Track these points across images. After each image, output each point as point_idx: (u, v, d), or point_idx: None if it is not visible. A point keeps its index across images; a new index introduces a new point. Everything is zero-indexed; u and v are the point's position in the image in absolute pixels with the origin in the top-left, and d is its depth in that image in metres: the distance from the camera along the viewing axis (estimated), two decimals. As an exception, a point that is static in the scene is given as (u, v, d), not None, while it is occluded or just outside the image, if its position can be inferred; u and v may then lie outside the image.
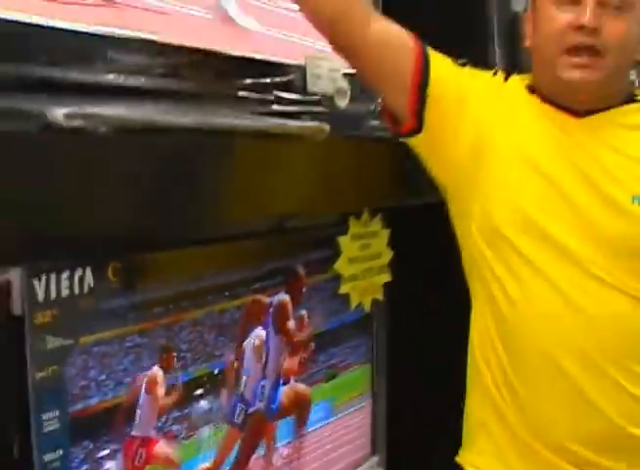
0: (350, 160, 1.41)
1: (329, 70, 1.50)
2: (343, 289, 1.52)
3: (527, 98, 1.43)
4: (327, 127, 1.23)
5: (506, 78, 1.48)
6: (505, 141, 1.40)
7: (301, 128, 1.20)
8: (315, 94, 1.49)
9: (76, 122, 0.88)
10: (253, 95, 1.39)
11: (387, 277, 1.65)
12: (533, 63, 1.43)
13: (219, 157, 1.12)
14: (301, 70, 1.47)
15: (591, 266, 1.32)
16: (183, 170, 1.06)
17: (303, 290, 1.50)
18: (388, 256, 1.65)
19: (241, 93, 1.38)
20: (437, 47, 1.43)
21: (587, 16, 1.30)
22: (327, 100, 1.52)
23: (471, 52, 1.65)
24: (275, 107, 1.42)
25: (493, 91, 1.46)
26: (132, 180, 0.99)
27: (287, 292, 1.47)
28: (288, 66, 1.47)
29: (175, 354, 1.22)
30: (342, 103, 1.54)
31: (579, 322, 1.32)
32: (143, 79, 1.20)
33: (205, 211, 1.11)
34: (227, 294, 1.31)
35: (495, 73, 1.49)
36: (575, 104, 1.38)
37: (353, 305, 1.55)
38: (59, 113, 0.86)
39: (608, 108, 1.38)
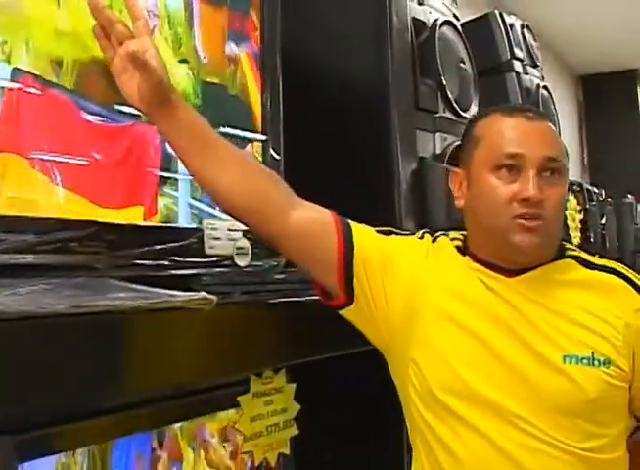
0: (247, 322, 1.43)
1: (228, 231, 1.55)
2: (246, 447, 1.52)
3: (458, 259, 1.47)
4: (214, 298, 1.26)
5: (434, 239, 1.52)
6: (435, 303, 1.43)
7: (187, 302, 1.22)
8: (213, 256, 1.53)
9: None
10: (149, 262, 1.43)
11: (293, 431, 1.65)
12: (469, 225, 1.47)
13: (106, 335, 1.14)
14: (199, 232, 1.51)
15: (524, 423, 1.34)
16: (71, 351, 1.08)
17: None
18: (294, 410, 1.65)
19: (137, 261, 1.42)
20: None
21: (532, 191, 1.35)
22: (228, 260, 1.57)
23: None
24: (173, 272, 1.46)
25: (421, 255, 1.49)
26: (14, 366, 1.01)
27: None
28: (184, 230, 1.51)
29: None
30: (243, 262, 1.58)
31: None
32: (31, 257, 1.24)
33: (93, 386, 1.13)
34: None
35: (422, 237, 1.53)
36: (510, 264, 1.41)
37: (257, 461, 1.55)
38: None
39: (540, 265, 1.42)
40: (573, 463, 1.34)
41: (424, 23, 2.18)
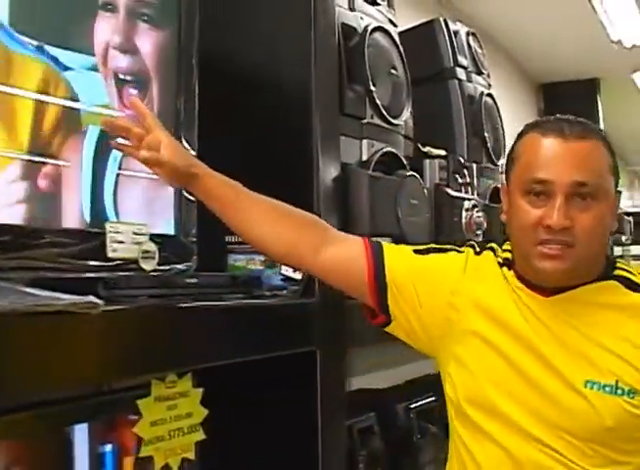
0: (148, 326, 1.41)
1: (133, 234, 1.53)
2: (145, 451, 1.50)
3: (499, 274, 1.51)
4: (100, 302, 1.25)
5: (479, 252, 1.56)
6: (467, 321, 1.49)
7: (71, 305, 1.21)
8: (117, 260, 1.51)
9: None
10: (48, 265, 1.42)
11: (199, 436, 1.64)
12: (510, 241, 1.50)
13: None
14: (102, 236, 1.49)
15: (540, 445, 1.38)
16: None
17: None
18: (200, 414, 1.64)
19: (34, 264, 1.40)
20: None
21: (555, 219, 1.35)
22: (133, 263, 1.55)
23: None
24: (72, 275, 1.45)
25: (458, 271, 1.54)
26: None
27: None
28: (85, 232, 1.50)
29: None
30: (149, 266, 1.57)
31: None
32: None
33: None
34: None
35: (462, 250, 1.58)
36: (546, 284, 1.43)
37: (158, 466, 1.54)
38: None
39: (580, 285, 1.43)
40: None
41: (355, 28, 2.17)
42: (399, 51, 2.37)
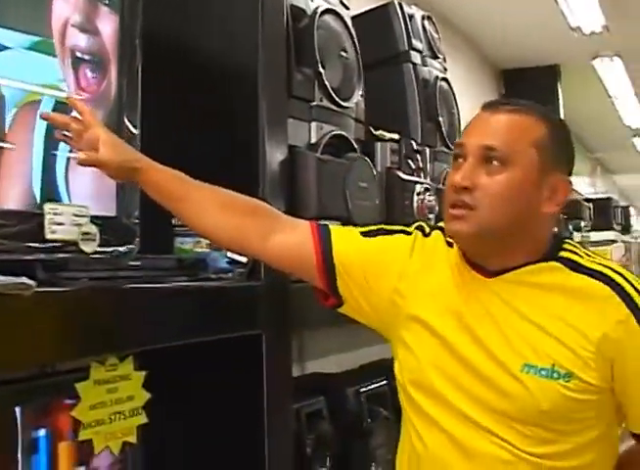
0: (88, 309, 1.40)
1: (73, 216, 1.52)
2: (83, 435, 1.49)
3: (444, 256, 1.51)
4: (33, 283, 1.23)
5: (429, 233, 1.56)
6: (411, 305, 1.50)
7: (2, 286, 1.19)
8: (55, 241, 1.49)
9: None
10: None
11: (141, 419, 1.63)
12: None
13: None
14: (40, 217, 1.47)
15: (478, 427, 1.39)
16: None
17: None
18: (142, 398, 1.63)
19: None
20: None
21: (455, 178, 1.39)
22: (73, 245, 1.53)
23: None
24: (8, 256, 1.43)
25: (405, 255, 1.54)
26: None
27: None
28: (23, 213, 1.48)
29: None
30: (90, 248, 1.55)
31: None
32: None
33: None
34: None
35: (410, 232, 1.57)
36: (487, 263, 1.43)
37: (97, 450, 1.52)
38: None
39: (522, 266, 1.42)
40: (528, 467, 1.38)
41: (304, 10, 2.15)
42: (351, 33, 2.36)
